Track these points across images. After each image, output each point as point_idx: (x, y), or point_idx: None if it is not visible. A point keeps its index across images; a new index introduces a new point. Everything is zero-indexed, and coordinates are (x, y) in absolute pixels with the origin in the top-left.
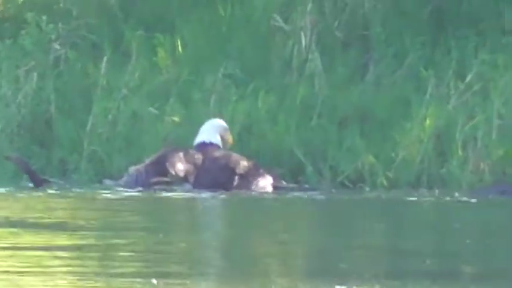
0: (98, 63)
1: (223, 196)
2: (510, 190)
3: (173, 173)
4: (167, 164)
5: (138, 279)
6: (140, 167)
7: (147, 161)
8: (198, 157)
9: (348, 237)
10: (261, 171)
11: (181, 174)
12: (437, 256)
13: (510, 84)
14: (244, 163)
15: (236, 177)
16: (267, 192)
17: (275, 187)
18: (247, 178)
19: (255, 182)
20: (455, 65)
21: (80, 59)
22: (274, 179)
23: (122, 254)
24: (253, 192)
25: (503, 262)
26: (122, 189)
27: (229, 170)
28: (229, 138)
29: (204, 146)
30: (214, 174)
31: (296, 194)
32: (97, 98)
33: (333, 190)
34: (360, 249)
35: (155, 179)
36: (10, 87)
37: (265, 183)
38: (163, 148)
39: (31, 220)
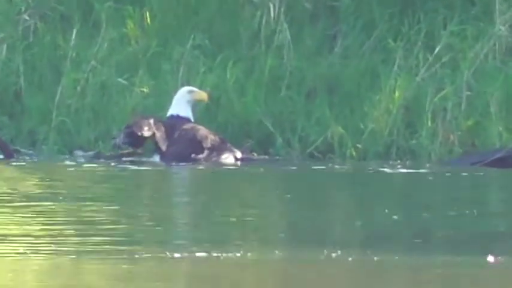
0: (67, 35)
1: (190, 169)
2: (479, 161)
3: (139, 134)
4: (134, 127)
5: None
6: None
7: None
8: (167, 126)
9: (318, 208)
10: (228, 145)
11: (147, 134)
12: (405, 224)
13: (479, 56)
14: (211, 136)
15: (204, 151)
16: (234, 164)
17: (245, 159)
18: (214, 151)
19: (221, 156)
20: (424, 36)
21: (49, 30)
22: (244, 152)
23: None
24: (220, 165)
25: (471, 229)
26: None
27: (197, 143)
28: (201, 95)
29: (174, 119)
30: (182, 147)
31: (267, 165)
32: (66, 69)
33: (302, 161)
34: (327, 220)
35: (126, 151)
36: None
37: (230, 156)
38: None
39: None
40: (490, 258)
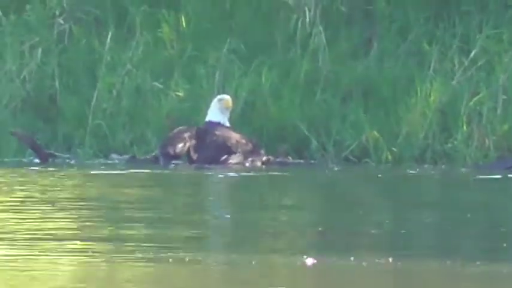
0: (102, 39)
1: (222, 173)
2: None
3: (173, 153)
4: (169, 147)
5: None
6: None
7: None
8: (200, 133)
9: (353, 212)
10: (258, 149)
11: (181, 151)
12: (437, 232)
13: None
14: (242, 141)
15: (233, 156)
16: (259, 168)
17: (281, 163)
18: (242, 156)
19: (249, 160)
20: (459, 40)
21: (84, 34)
22: (279, 155)
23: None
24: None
25: (506, 238)
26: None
27: (227, 148)
28: (226, 103)
29: (207, 125)
30: (212, 152)
31: (302, 169)
32: (101, 73)
33: (337, 165)
34: (364, 224)
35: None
36: (15, 63)
37: (257, 161)
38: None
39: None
40: None
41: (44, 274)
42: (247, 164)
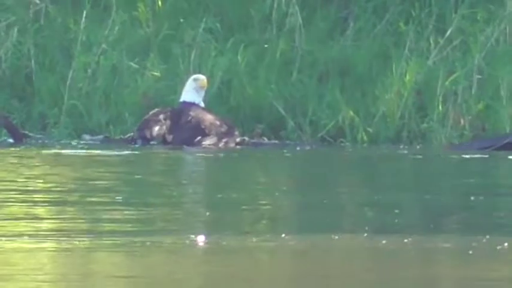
0: (77, 18)
1: (200, 153)
2: (489, 145)
3: (150, 136)
4: (146, 130)
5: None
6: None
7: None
8: (175, 114)
9: (329, 191)
10: (231, 130)
11: (158, 133)
12: (411, 209)
13: (490, 39)
14: (216, 123)
15: (207, 137)
16: (233, 149)
17: (257, 144)
18: (218, 137)
19: (223, 141)
20: (435, 20)
21: (60, 13)
22: (255, 136)
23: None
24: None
25: (481, 216)
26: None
27: (200, 130)
28: (201, 83)
29: (182, 105)
30: (186, 134)
31: (277, 149)
32: (77, 52)
33: (312, 145)
34: (339, 203)
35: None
36: None
37: (230, 141)
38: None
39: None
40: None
41: (16, 256)
42: (220, 145)
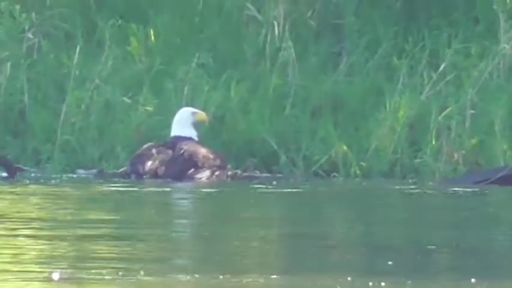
0: (71, 53)
1: (189, 188)
2: (483, 179)
3: (142, 171)
4: (139, 165)
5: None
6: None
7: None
8: (168, 148)
9: (320, 227)
10: (224, 164)
11: (150, 168)
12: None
13: (483, 74)
14: (210, 156)
15: (200, 170)
16: (224, 182)
17: (249, 177)
18: (211, 171)
19: (216, 174)
20: (428, 54)
21: (53, 48)
22: (247, 169)
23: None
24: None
25: (476, 253)
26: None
27: (194, 163)
28: (202, 116)
29: (176, 139)
30: (179, 167)
31: (269, 184)
32: (70, 87)
33: (305, 180)
34: (331, 240)
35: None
36: None
37: (225, 175)
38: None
39: None
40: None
41: None
42: (212, 179)
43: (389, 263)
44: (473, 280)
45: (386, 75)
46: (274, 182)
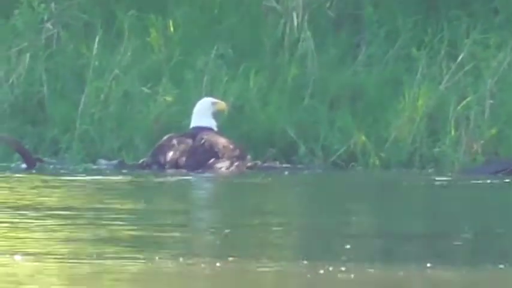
0: (90, 44)
1: (210, 178)
2: (502, 169)
3: (163, 161)
4: (160, 156)
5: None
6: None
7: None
8: (188, 139)
9: (338, 217)
10: (244, 154)
11: (172, 158)
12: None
13: (502, 64)
14: (230, 146)
15: (220, 160)
16: (244, 173)
17: (269, 167)
18: (231, 161)
19: (235, 165)
20: (447, 45)
21: (72, 39)
22: (266, 160)
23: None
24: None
25: (493, 243)
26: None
27: (214, 153)
28: (222, 106)
29: (196, 130)
30: (199, 157)
31: (289, 173)
32: (89, 78)
33: (325, 169)
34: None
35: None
36: (2, 68)
37: (244, 166)
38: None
39: None
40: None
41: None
42: (232, 169)
43: (408, 251)
44: (501, 266)
45: (405, 65)
46: (286, 173)
